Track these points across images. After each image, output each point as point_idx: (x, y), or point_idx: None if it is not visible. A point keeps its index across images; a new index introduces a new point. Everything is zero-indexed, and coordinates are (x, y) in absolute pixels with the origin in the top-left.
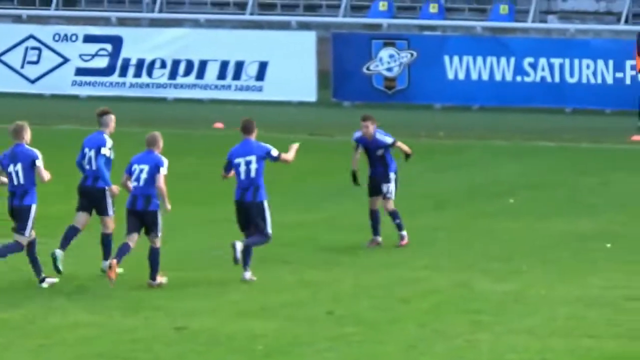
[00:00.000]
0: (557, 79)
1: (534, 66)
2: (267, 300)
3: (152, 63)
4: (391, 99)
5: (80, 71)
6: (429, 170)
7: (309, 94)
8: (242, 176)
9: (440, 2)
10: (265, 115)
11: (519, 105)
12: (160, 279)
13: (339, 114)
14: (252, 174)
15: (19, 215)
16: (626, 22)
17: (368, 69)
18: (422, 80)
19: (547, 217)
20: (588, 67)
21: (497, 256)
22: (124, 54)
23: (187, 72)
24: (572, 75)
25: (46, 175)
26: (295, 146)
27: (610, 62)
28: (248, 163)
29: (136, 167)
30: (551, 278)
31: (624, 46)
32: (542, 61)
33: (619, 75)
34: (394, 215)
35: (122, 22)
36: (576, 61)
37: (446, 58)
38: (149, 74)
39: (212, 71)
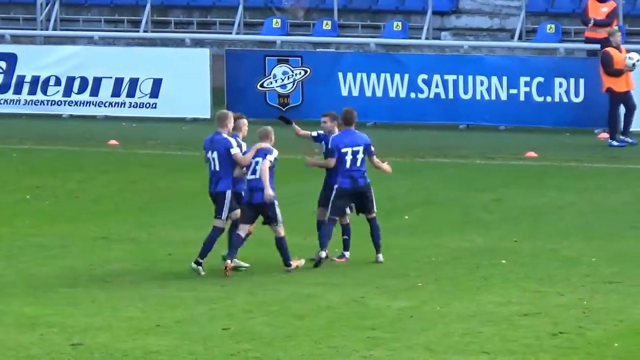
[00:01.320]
0: (450, 95)
1: (427, 83)
2: (162, 317)
3: (47, 80)
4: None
5: None
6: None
7: (203, 110)
8: (348, 165)
9: (333, 19)
10: (159, 132)
11: (412, 121)
12: (296, 262)
13: None
14: (358, 163)
15: (216, 201)
16: (520, 38)
17: (262, 85)
18: (316, 97)
19: (441, 234)
20: (482, 83)
21: (392, 273)
22: (19, 71)
23: (82, 89)
24: (465, 91)
25: (243, 161)
26: (386, 167)
27: (504, 79)
28: (355, 153)
29: (252, 161)
30: (446, 294)
31: (518, 63)
32: (436, 78)
33: (513, 91)
34: (347, 230)
35: (16, 39)
36: (470, 78)
37: (340, 75)
38: (44, 91)
39: (106, 88)
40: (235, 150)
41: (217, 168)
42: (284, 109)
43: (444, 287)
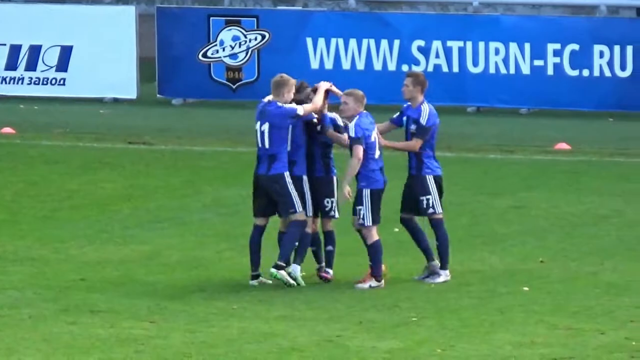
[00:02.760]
0: (455, 68)
1: (425, 51)
2: None
3: None
4: (236, 95)
5: None
6: None
7: (128, 89)
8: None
9: None
10: (70, 116)
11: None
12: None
13: (167, 115)
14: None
15: (271, 189)
16: None
17: (205, 55)
18: (277, 71)
19: None
20: (497, 52)
21: (378, 303)
22: None
23: None
24: (475, 63)
25: (315, 107)
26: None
27: (527, 46)
28: None
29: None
30: (449, 332)
31: (544, 25)
32: (436, 45)
33: (539, 63)
34: (329, 238)
35: None
36: (481, 45)
37: (309, 41)
38: None
39: None
40: (301, 111)
41: (267, 145)
42: (234, 86)
43: (447, 322)
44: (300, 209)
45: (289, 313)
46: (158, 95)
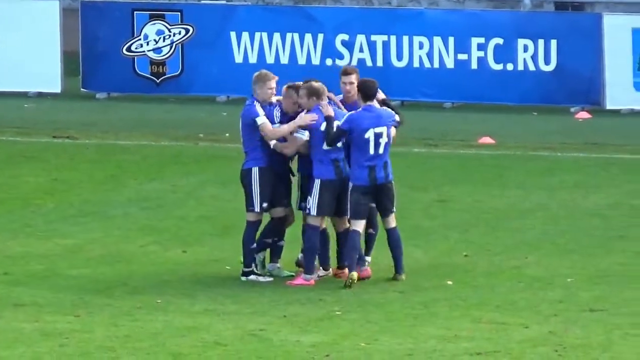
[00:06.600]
0: (379, 62)
1: (348, 45)
2: None
3: None
4: (160, 89)
5: None
6: (212, 182)
7: (51, 83)
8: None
9: None
10: None
11: None
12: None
13: (91, 109)
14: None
15: (243, 185)
16: None
17: (129, 49)
18: (201, 65)
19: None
20: (421, 46)
21: (302, 297)
22: None
23: None
24: (399, 57)
25: (273, 135)
26: None
27: (451, 40)
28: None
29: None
30: (373, 326)
31: (468, 19)
32: (360, 39)
33: (463, 57)
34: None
35: None
36: (405, 39)
37: (232, 35)
38: None
39: None
40: (262, 120)
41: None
42: (158, 80)
43: (371, 316)
44: (257, 206)
45: (213, 307)
46: (82, 90)
